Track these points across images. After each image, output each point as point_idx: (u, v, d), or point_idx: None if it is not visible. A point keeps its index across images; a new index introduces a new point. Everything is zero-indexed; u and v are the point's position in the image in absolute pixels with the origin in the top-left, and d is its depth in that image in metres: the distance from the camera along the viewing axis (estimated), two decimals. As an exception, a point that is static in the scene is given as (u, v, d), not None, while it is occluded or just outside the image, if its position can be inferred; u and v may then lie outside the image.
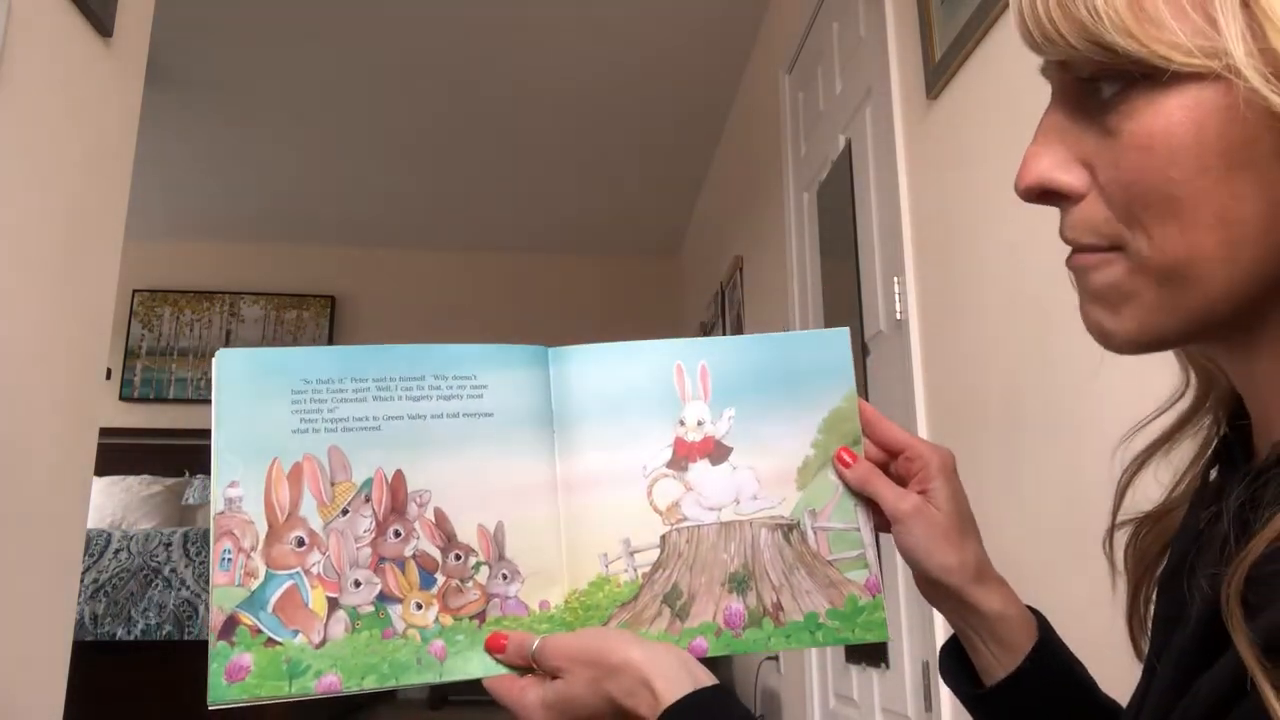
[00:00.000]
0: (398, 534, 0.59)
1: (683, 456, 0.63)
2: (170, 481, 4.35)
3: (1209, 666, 0.35)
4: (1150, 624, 0.49)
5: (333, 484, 0.59)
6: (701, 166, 4.49)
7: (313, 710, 3.32)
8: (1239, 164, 0.36)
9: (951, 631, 0.63)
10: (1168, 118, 0.37)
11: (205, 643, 0.56)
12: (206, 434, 0.58)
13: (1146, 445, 0.53)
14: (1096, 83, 0.40)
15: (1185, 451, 0.51)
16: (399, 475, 0.59)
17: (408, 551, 0.59)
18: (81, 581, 2.04)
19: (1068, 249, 0.43)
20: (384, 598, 0.58)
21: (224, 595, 0.56)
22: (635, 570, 0.61)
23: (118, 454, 4.01)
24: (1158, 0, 0.37)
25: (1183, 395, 0.51)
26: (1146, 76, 0.38)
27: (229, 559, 0.57)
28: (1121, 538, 0.54)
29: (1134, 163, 0.38)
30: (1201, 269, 0.38)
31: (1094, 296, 0.42)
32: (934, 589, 0.60)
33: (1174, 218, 0.38)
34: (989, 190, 1.57)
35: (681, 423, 0.63)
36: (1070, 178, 0.42)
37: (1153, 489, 0.52)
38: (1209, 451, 0.49)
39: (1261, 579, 0.34)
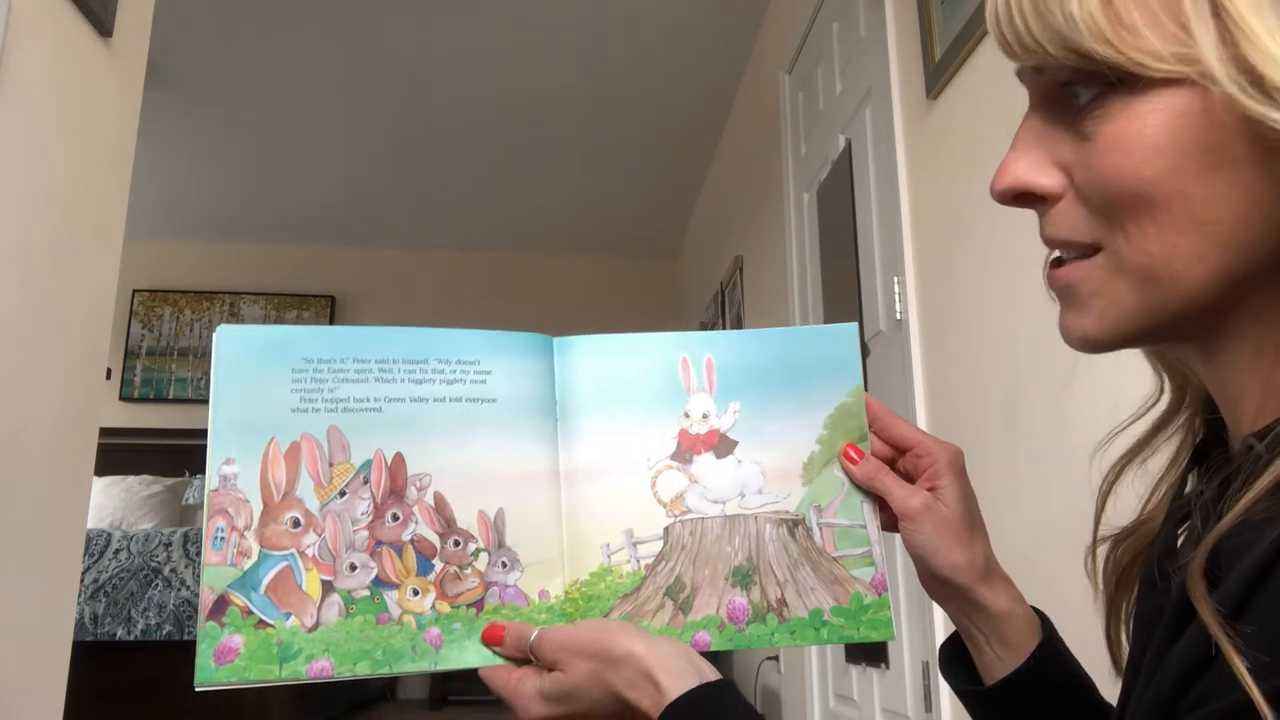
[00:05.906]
0: (396, 518, 0.57)
1: (687, 449, 0.62)
2: (170, 481, 4.35)
3: None
4: (1131, 629, 0.49)
5: (331, 465, 0.57)
6: (701, 166, 4.48)
7: (314, 707, 3.32)
8: (1213, 165, 0.37)
9: (952, 630, 0.63)
10: (1142, 121, 0.38)
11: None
12: (206, 434, 0.56)
13: (1124, 451, 0.52)
14: (1072, 87, 0.41)
15: (1161, 460, 0.51)
16: (399, 458, 0.58)
17: (405, 536, 0.57)
18: (81, 581, 2.03)
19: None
20: (380, 582, 0.56)
21: (215, 574, 0.54)
22: (638, 561, 0.61)
23: (118, 454, 4.00)
24: (1131, 7, 0.38)
25: (1157, 401, 0.51)
26: (1122, 82, 0.38)
27: (222, 538, 0.55)
28: (1103, 552, 0.54)
29: (1108, 164, 0.39)
30: (1177, 269, 0.38)
31: (1071, 302, 0.43)
32: (941, 587, 0.60)
33: (1149, 218, 0.38)
34: (989, 190, 1.57)
35: (686, 415, 0.63)
36: (1047, 180, 0.43)
37: (1130, 501, 0.52)
38: (1185, 458, 0.49)
39: (1226, 552, 0.34)
